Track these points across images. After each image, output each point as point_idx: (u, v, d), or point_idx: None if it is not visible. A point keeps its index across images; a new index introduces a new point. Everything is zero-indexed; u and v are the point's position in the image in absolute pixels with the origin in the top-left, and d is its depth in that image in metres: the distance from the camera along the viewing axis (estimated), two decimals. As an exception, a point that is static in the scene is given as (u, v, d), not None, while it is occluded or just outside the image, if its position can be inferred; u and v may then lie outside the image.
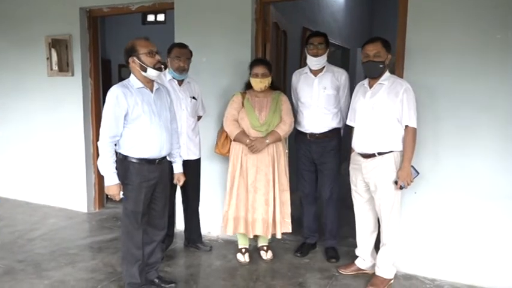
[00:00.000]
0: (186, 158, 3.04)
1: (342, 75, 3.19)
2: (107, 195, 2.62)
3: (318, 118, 3.14)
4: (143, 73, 2.47)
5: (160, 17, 8.28)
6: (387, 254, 2.81)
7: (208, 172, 3.59)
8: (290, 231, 3.17)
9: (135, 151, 2.48)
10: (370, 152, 2.73)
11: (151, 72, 2.46)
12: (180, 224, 3.63)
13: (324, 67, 3.16)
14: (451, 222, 2.90)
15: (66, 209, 4.47)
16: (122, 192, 2.47)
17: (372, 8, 7.96)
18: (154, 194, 2.60)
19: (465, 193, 2.84)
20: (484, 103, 2.74)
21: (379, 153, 2.70)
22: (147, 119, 2.47)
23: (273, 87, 3.15)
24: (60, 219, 4.19)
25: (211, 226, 3.69)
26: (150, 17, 8.39)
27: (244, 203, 3.08)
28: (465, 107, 2.78)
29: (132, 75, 2.53)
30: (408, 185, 2.66)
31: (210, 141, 3.46)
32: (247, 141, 3.01)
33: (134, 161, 2.49)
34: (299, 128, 3.25)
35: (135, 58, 2.46)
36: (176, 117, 2.80)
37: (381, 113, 2.67)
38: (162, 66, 2.49)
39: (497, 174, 2.75)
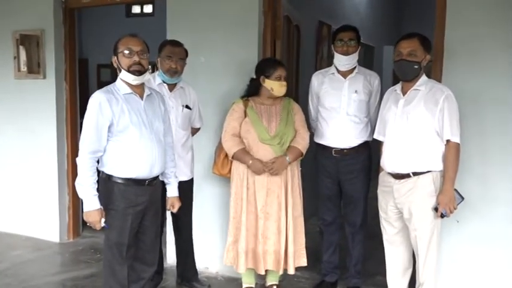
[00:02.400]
0: None
1: (375, 79, 3.20)
2: (84, 222, 2.60)
3: (346, 128, 3.11)
4: (120, 75, 2.50)
5: (148, 9, 8.31)
6: None
7: (205, 196, 3.58)
8: (306, 264, 3.13)
9: (121, 170, 2.48)
10: (404, 171, 2.70)
11: (126, 76, 2.48)
12: (171, 258, 3.60)
13: (355, 68, 3.16)
14: (501, 258, 2.86)
15: (34, 238, 4.44)
16: (103, 220, 2.46)
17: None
18: (142, 222, 2.59)
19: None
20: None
21: (415, 174, 2.68)
22: (135, 131, 2.47)
23: None
24: (27, 251, 4.16)
25: (209, 260, 3.66)
26: (136, 9, 8.42)
27: (253, 232, 3.04)
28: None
29: (118, 78, 2.55)
30: (451, 212, 2.63)
31: (207, 158, 3.45)
32: (251, 162, 2.94)
33: (119, 181, 2.48)
34: (321, 142, 3.22)
35: (115, 57, 2.50)
36: (171, 129, 2.79)
37: (416, 124, 2.65)
38: (139, 69, 2.46)
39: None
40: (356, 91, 3.12)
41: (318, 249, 3.43)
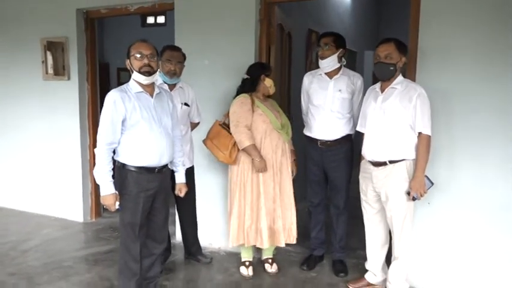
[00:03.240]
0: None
1: (358, 80, 3.12)
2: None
3: (330, 123, 3.05)
4: (132, 76, 2.44)
5: (161, 19, 8.28)
6: (399, 268, 2.73)
7: (208, 182, 3.52)
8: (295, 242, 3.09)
9: (134, 159, 2.42)
10: (381, 160, 2.65)
11: (137, 76, 2.41)
12: (179, 235, 3.55)
13: (340, 69, 3.08)
14: (467, 235, 2.81)
15: (61, 219, 4.39)
16: (117, 203, 2.41)
17: (379, 9, 7.91)
18: (153, 204, 2.53)
19: (483, 204, 2.75)
20: (504, 108, 2.65)
21: (391, 162, 2.62)
22: (146, 125, 2.41)
23: None
24: (55, 230, 4.11)
25: (212, 237, 3.61)
26: (150, 19, 8.39)
27: (270, 211, 2.99)
28: (483, 112, 2.70)
29: (131, 79, 2.48)
30: (421, 196, 2.58)
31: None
32: (258, 160, 2.89)
33: (132, 169, 2.42)
34: (309, 134, 3.17)
35: (128, 60, 2.44)
36: (179, 124, 2.73)
37: (392, 118, 2.60)
38: (149, 70, 2.39)
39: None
40: (340, 90, 3.05)
41: (307, 228, 3.38)
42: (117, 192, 2.40)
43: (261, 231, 2.97)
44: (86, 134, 4.30)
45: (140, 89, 2.45)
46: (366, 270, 2.97)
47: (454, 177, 2.80)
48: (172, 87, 3.05)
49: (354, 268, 3.21)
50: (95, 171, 2.40)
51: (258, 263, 3.27)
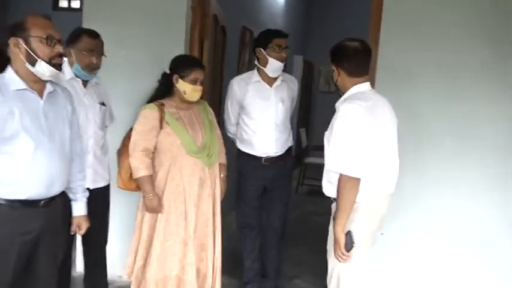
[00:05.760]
0: (92, 187, 2.13)
1: (295, 85, 2.70)
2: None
3: (276, 138, 2.54)
4: (30, 67, 1.57)
5: (75, 4, 7.34)
6: None
7: (117, 203, 2.60)
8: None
9: (6, 189, 1.55)
10: (326, 195, 1.89)
11: (44, 69, 1.57)
12: (80, 266, 2.66)
13: (279, 75, 2.57)
14: (425, 268, 2.50)
15: None
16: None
17: (308, 14, 7.47)
18: (36, 253, 1.65)
19: (442, 236, 2.46)
20: (466, 130, 2.39)
21: (334, 199, 1.83)
22: (29, 140, 1.56)
23: None
24: None
25: (122, 269, 2.78)
26: (63, 3, 7.38)
27: (179, 257, 2.18)
28: (444, 132, 2.41)
29: (9, 68, 1.60)
30: (340, 257, 1.74)
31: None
32: (151, 196, 2.13)
33: (3, 203, 1.55)
34: (249, 151, 2.56)
35: (20, 40, 1.55)
36: (80, 135, 1.89)
37: (326, 149, 1.82)
38: (61, 63, 1.62)
39: (478, 213, 2.39)
40: (283, 101, 2.55)
41: (238, 253, 2.74)
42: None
43: (147, 281, 2.21)
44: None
45: (23, 85, 1.59)
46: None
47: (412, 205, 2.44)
48: (85, 83, 2.17)
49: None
50: None
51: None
